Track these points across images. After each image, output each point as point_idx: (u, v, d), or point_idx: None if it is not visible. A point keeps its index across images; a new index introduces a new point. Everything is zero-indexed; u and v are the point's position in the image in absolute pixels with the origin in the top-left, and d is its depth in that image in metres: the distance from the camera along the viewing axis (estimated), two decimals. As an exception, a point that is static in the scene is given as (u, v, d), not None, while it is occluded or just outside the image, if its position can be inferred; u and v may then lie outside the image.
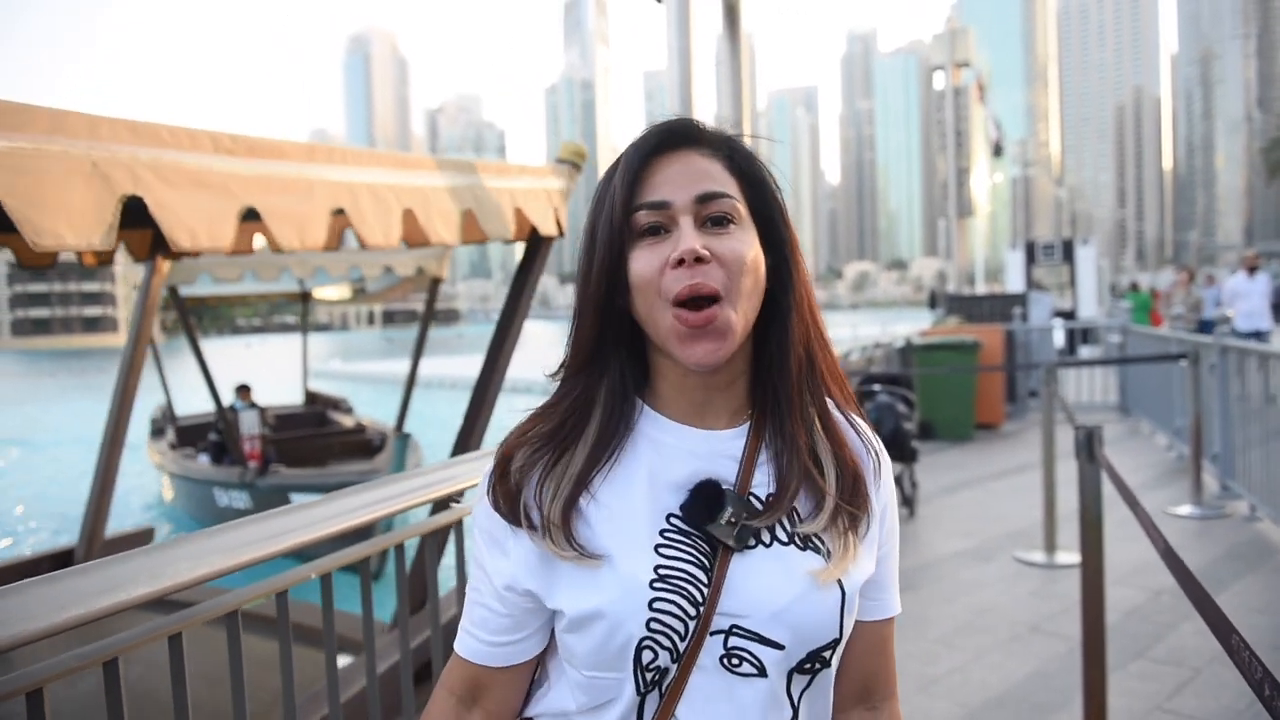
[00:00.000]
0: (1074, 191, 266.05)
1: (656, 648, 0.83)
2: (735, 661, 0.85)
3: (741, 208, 0.88)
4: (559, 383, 0.94)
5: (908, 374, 7.27)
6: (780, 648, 0.85)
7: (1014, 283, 21.71)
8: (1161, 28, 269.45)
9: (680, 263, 0.83)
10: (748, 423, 0.92)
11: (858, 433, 0.96)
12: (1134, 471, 7.02)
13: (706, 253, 0.83)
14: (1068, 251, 21.53)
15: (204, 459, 9.84)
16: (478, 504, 0.94)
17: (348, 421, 11.75)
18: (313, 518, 1.51)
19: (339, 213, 2.29)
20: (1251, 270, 11.03)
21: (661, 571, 0.84)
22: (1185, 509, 5.74)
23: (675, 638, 0.83)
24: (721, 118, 4.72)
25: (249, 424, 9.29)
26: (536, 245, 3.38)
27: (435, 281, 8.09)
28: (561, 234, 3.36)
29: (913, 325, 15.72)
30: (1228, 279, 11.28)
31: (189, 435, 11.14)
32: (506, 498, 0.90)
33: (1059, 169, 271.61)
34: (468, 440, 3.39)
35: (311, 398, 13.50)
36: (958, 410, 9.05)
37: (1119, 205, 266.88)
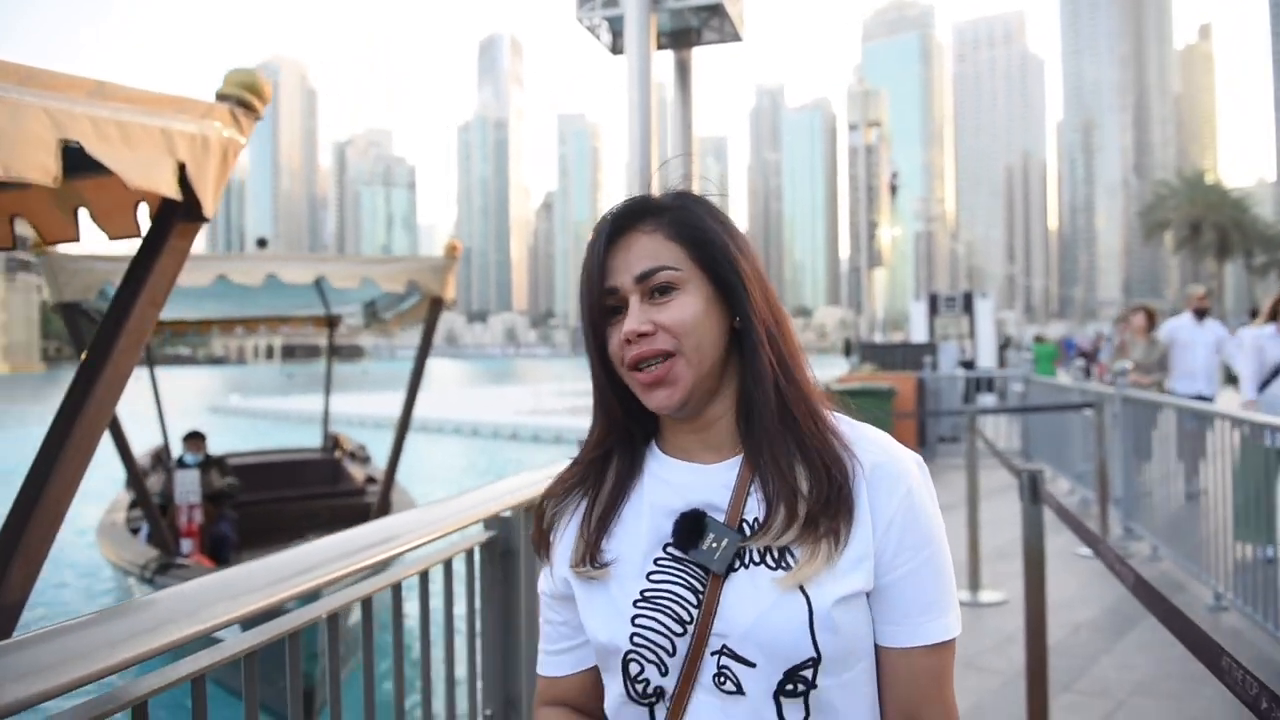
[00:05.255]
0: (969, 247, 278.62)
1: (643, 661, 0.94)
2: (722, 679, 0.92)
3: (683, 272, 0.98)
4: (588, 438, 1.10)
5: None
6: (753, 665, 0.91)
7: (918, 332, 22.56)
8: (1048, 97, 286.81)
9: (628, 340, 0.97)
10: (739, 456, 1.00)
11: (842, 447, 0.98)
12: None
13: (647, 327, 0.96)
14: (968, 304, 22.55)
15: (143, 535, 6.94)
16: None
17: (359, 475, 9.33)
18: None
19: None
20: (1200, 314, 7.96)
21: (647, 593, 0.96)
22: (1092, 550, 6.05)
23: (662, 653, 0.94)
24: (669, 161, 4.86)
25: (186, 487, 6.85)
26: (167, 220, 2.19)
27: (436, 303, 6.64)
28: (200, 210, 2.12)
29: (823, 372, 16.17)
30: (1166, 322, 8.32)
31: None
32: (540, 541, 1.09)
33: (954, 225, 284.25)
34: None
35: (334, 443, 10.45)
36: (874, 454, 9.33)
37: (1009, 261, 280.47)
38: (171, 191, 2.00)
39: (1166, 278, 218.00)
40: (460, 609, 2.10)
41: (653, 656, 0.94)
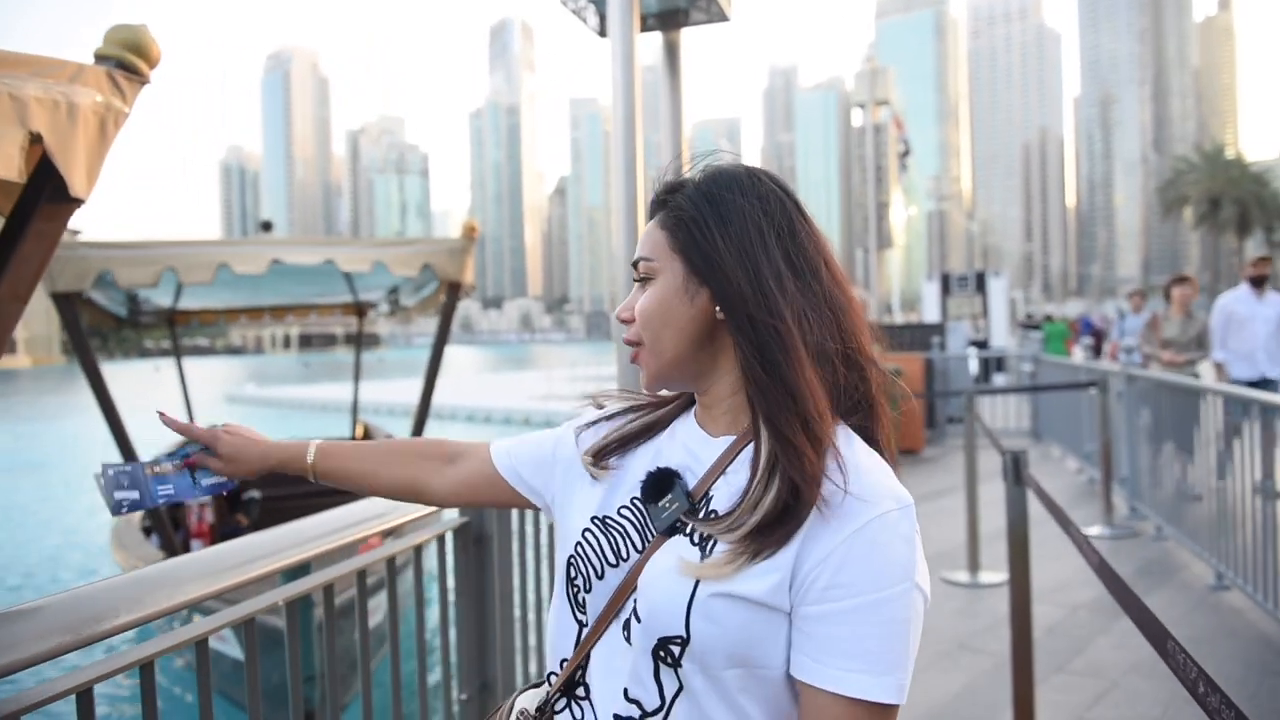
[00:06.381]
0: (984, 225, 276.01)
1: (577, 570, 1.04)
2: (627, 626, 0.98)
3: (656, 262, 1.01)
4: None
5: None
6: (640, 621, 0.94)
7: (930, 312, 22.40)
8: (1065, 72, 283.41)
9: None
10: (734, 437, 1.00)
11: (828, 466, 0.90)
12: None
13: (626, 314, 1.04)
14: (980, 283, 22.36)
15: (155, 541, 6.67)
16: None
17: None
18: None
19: None
20: (1258, 283, 6.87)
21: (608, 519, 1.04)
22: (1097, 529, 6.02)
23: (592, 574, 1.02)
24: (658, 146, 4.86)
25: None
26: (31, 201, 1.82)
27: (454, 288, 6.37)
28: (65, 189, 1.69)
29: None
30: (1221, 296, 7.13)
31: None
32: (591, 408, 1.22)
33: (970, 204, 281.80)
34: None
35: (364, 433, 10.03)
36: (881, 436, 9.29)
37: (1026, 239, 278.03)
38: (11, 169, 1.61)
39: (1186, 254, 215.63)
40: (434, 595, 2.11)
41: (584, 570, 1.03)
